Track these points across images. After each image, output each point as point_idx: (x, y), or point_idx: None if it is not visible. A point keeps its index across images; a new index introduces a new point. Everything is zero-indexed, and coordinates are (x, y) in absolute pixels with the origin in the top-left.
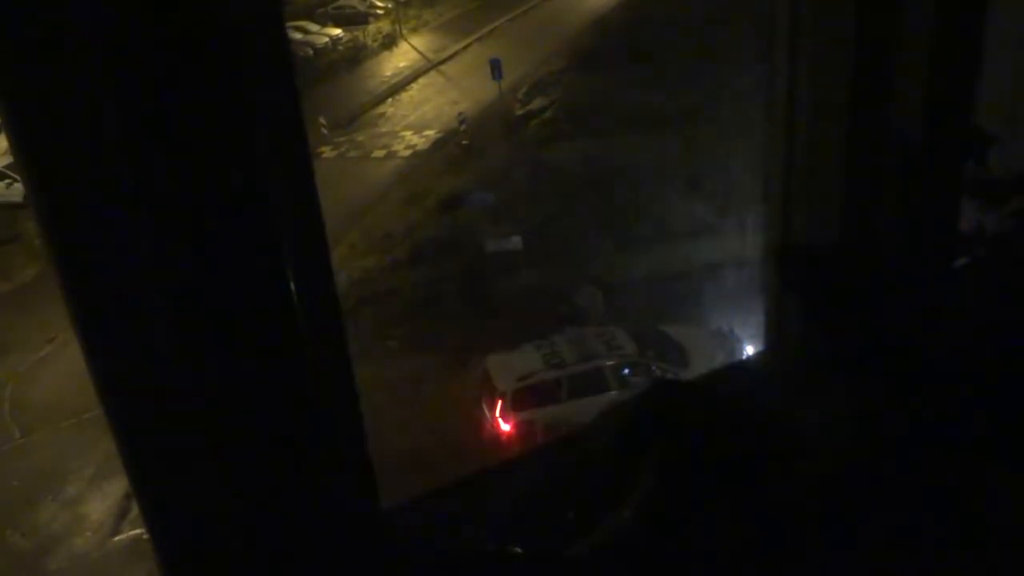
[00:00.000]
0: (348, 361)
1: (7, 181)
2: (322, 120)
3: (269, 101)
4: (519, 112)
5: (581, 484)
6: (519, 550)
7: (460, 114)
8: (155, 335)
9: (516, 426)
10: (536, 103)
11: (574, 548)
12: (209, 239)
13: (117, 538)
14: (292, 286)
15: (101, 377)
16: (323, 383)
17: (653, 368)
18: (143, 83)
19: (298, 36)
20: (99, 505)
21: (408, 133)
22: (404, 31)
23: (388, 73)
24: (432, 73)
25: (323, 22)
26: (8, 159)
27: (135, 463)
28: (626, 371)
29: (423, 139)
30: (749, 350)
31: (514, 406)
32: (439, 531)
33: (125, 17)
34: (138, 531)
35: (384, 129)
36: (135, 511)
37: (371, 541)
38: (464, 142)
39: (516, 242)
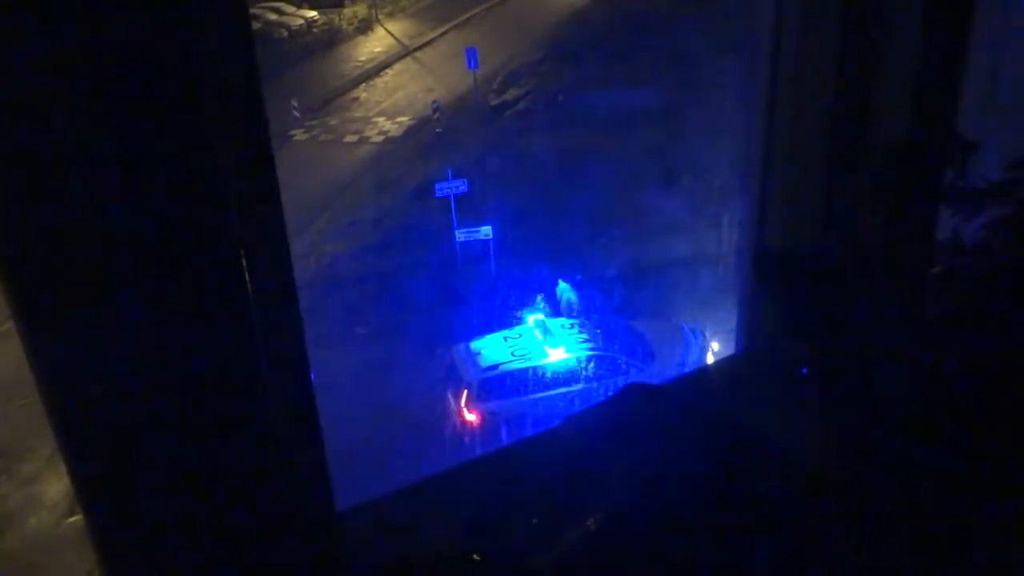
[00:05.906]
0: (304, 353)
1: None
2: (294, 103)
3: (231, 84)
4: (494, 102)
5: (547, 489)
6: (477, 556)
7: (434, 102)
8: (107, 325)
9: (481, 416)
10: (511, 93)
11: (537, 558)
12: (163, 226)
13: (72, 519)
14: (248, 282)
15: (42, 360)
16: (277, 374)
17: (619, 363)
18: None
19: (273, 17)
20: (56, 485)
21: (381, 119)
22: (380, 16)
23: (363, 58)
24: (407, 59)
25: (298, 3)
26: None
27: (75, 456)
28: (592, 364)
29: (396, 125)
30: (715, 346)
31: (480, 396)
32: (395, 534)
33: None
34: None
35: (357, 114)
36: None
37: (326, 543)
38: (437, 130)
39: (487, 232)
